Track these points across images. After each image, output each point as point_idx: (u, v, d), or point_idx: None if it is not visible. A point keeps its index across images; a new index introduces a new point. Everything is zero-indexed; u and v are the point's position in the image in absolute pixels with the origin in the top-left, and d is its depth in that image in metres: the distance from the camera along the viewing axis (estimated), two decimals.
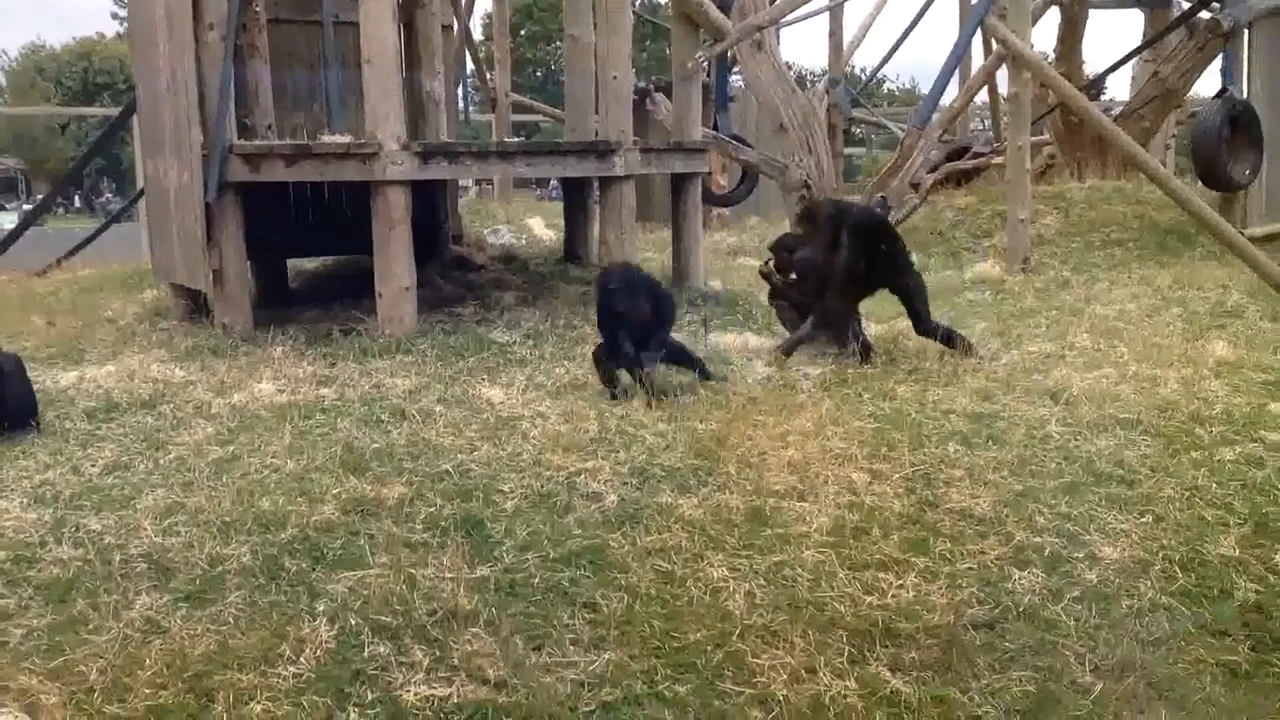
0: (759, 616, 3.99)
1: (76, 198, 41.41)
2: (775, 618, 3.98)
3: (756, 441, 5.15)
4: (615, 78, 8.08)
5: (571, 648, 3.80)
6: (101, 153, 13.48)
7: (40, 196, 29.67)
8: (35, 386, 5.85)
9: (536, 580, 4.10)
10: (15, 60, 47.05)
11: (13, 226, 14.38)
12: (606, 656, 3.76)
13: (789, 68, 11.89)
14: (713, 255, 10.96)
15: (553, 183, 25.69)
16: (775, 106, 11.29)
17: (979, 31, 11.79)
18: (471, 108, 23.27)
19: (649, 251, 10.55)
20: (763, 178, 12.66)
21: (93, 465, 4.92)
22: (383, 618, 3.84)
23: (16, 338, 7.23)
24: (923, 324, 6.64)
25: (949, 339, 6.57)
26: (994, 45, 10.90)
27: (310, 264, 9.90)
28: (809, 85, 16.88)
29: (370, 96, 7.05)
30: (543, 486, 4.73)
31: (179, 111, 7.21)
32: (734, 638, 3.88)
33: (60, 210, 35.96)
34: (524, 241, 11.00)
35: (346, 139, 7.55)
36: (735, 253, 11.75)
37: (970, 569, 4.28)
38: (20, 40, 69.77)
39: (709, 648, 3.84)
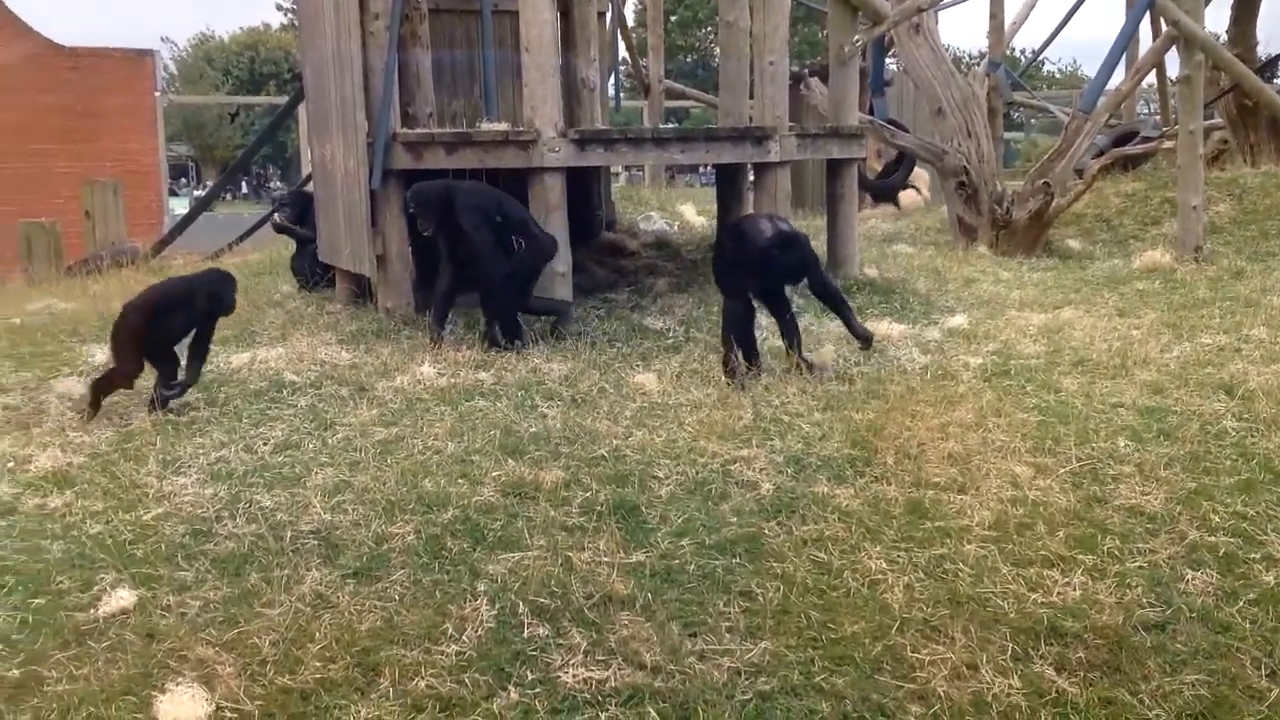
0: (918, 610, 3.91)
1: (244, 184, 42.81)
2: (935, 612, 3.91)
3: (915, 433, 5.06)
4: (772, 63, 8.02)
5: (727, 635, 3.79)
6: (269, 141, 13.87)
7: (209, 183, 30.86)
8: (211, 367, 6.09)
9: (692, 567, 4.10)
10: (185, 50, 48.76)
11: (185, 212, 14.97)
12: (763, 645, 3.73)
13: (947, 50, 11.62)
14: (867, 242, 10.81)
15: (704, 169, 25.66)
16: (933, 90, 11.10)
17: (1148, 12, 11.40)
18: (622, 94, 23.42)
19: None
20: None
21: (264, 444, 5.08)
22: (541, 599, 3.88)
23: None
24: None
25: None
26: (1164, 26, 10.52)
27: None
28: (968, 68, 16.50)
29: (528, 84, 7.13)
30: (697, 474, 4.73)
31: (345, 99, 7.40)
32: (893, 631, 3.81)
33: (228, 196, 37.25)
34: (676, 228, 10.99)
35: (505, 126, 7.65)
36: (890, 239, 11.56)
37: (1140, 568, 4.14)
38: (190, 31, 72.44)
39: (867, 640, 3.78)
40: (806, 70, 13.92)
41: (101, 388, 5.54)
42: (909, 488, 4.65)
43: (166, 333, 5.62)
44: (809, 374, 5.95)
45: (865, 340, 6.16)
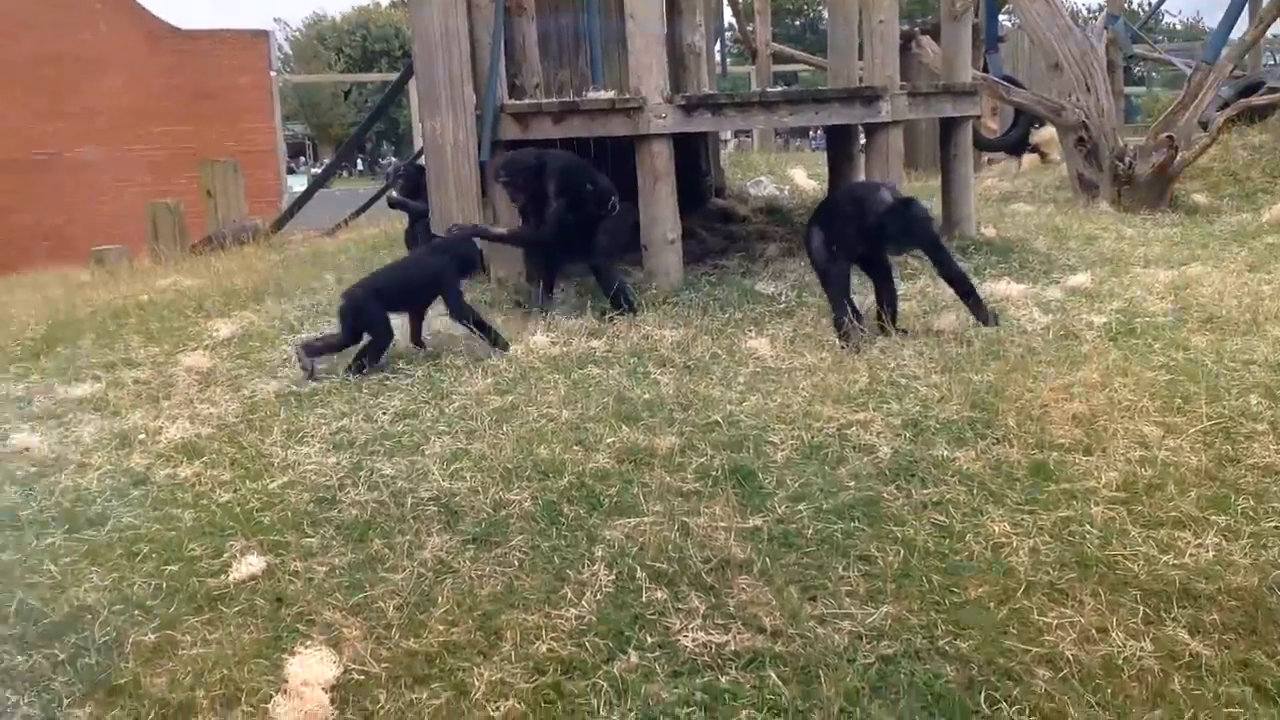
0: (1044, 574, 3.83)
1: (360, 160, 43.49)
2: (1062, 575, 3.82)
3: (1037, 393, 4.95)
4: (881, 21, 7.87)
5: (847, 600, 3.75)
6: (381, 117, 14.06)
7: (325, 160, 31.40)
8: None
9: (810, 531, 4.06)
10: (299, 30, 49.58)
11: (302, 189, 15.26)
12: (884, 609, 3.69)
13: (1065, 5, 11.29)
14: (985, 201, 10.60)
15: (814, 133, 25.35)
16: (1050, 44, 10.83)
17: None
18: (729, 60, 23.23)
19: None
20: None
21: (384, 413, 5.16)
22: (658, 564, 3.88)
23: (309, 293, 7.66)
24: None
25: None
26: None
27: None
28: (1085, 22, 16.03)
29: (633, 51, 7.10)
30: (813, 438, 4.68)
31: (453, 73, 7.45)
32: (1018, 594, 3.73)
33: (345, 173, 37.88)
34: (786, 192, 10.90)
35: (611, 94, 7.63)
36: (1008, 198, 11.31)
37: (1276, 528, 3.99)
38: (303, 11, 73.65)
39: (991, 604, 3.71)
40: (919, 29, 13.66)
41: (372, 358, 5.82)
42: (1032, 449, 4.55)
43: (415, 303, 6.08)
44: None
45: (990, 323, 6.03)
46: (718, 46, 13.87)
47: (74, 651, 3.49)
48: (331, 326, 6.22)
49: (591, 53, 9.09)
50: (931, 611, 3.69)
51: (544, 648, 3.54)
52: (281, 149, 21.47)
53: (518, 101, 7.47)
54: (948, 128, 8.63)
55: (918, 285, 6.84)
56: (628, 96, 7.14)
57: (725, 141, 20.67)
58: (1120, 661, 3.47)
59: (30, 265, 11.68)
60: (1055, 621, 3.62)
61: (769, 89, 9.64)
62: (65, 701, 3.32)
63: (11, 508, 4.38)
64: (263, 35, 20.65)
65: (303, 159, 43.05)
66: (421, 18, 8.10)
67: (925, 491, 4.29)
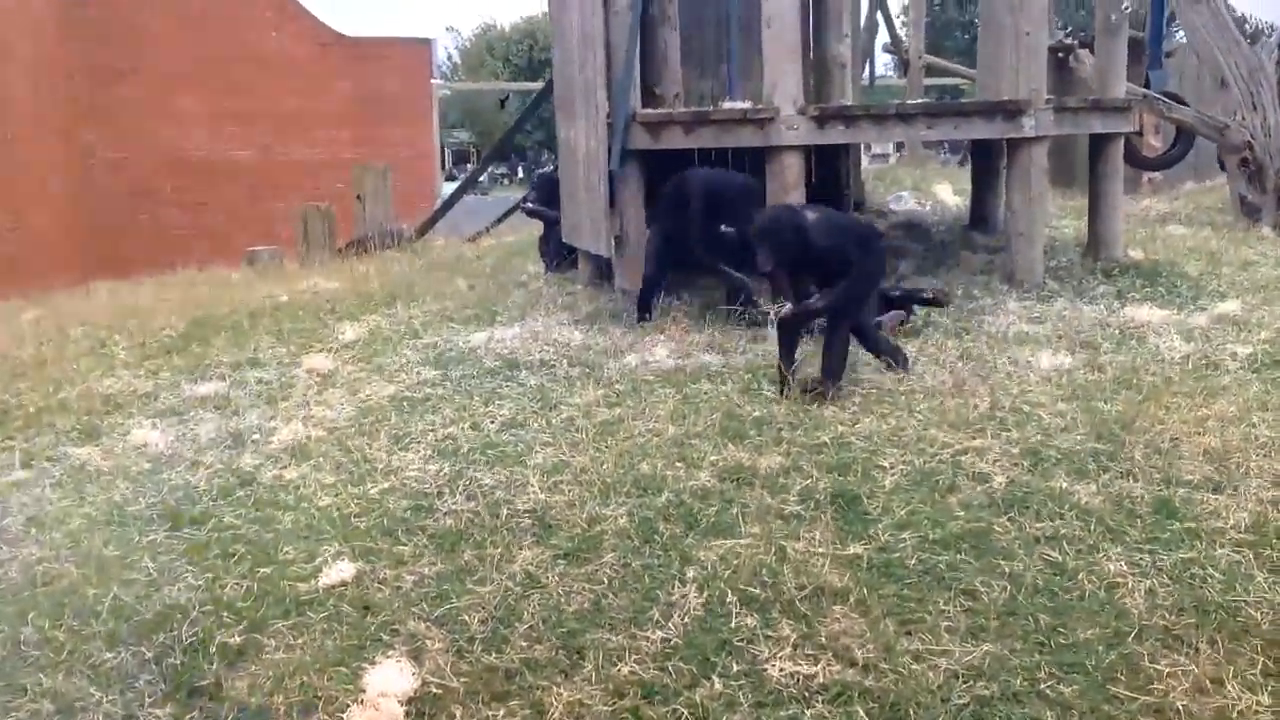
0: (1160, 618, 3.61)
1: (520, 168, 44.08)
2: (1179, 620, 3.60)
3: (1169, 426, 4.69)
4: (1028, 33, 7.58)
5: (946, 636, 3.58)
6: (525, 125, 14.19)
7: (491, 168, 31.92)
8: (450, 345, 6.27)
9: (912, 562, 3.90)
10: (469, 39, 50.44)
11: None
12: (985, 648, 3.51)
13: (1244, 21, 10.80)
14: (1138, 223, 10.17)
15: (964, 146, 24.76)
16: (1215, 59, 10.37)
17: None
18: (891, 73, 22.86)
19: (1064, 219, 9.96)
20: (1200, 139, 11.61)
21: (491, 422, 5.15)
22: (751, 589, 3.77)
23: (441, 298, 7.75)
24: None
25: None
26: None
27: None
28: (1262, 37, 15.31)
29: (768, 59, 6.99)
30: (925, 464, 4.51)
31: (588, 79, 7.44)
32: (1130, 639, 3.52)
33: (505, 181, 38.44)
34: (928, 208, 10.64)
35: (744, 105, 7.53)
36: (1164, 220, 10.83)
37: None
38: (475, 20, 75.00)
39: (1100, 647, 3.51)
40: (1076, 42, 13.20)
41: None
42: (1157, 485, 4.30)
43: None
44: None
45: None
46: (873, 58, 13.69)
47: (160, 651, 3.54)
48: (451, 331, 6.25)
49: (731, 64, 9.00)
50: (1035, 653, 3.51)
51: (626, 670, 3.47)
52: (437, 155, 21.88)
53: (649, 110, 7.42)
54: (1097, 144, 8.29)
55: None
56: (760, 107, 7.03)
57: (885, 156, 20.36)
58: (1234, 715, 3.25)
59: (190, 263, 12.08)
60: (1168, 669, 3.41)
61: (907, 101, 9.40)
62: (148, 701, 3.37)
63: (120, 503, 4.49)
64: (425, 43, 21.08)
65: (468, 166, 43.77)
66: (562, 23, 8.15)
67: (1039, 525, 4.09)
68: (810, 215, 5.30)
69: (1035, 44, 7.64)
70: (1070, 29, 15.61)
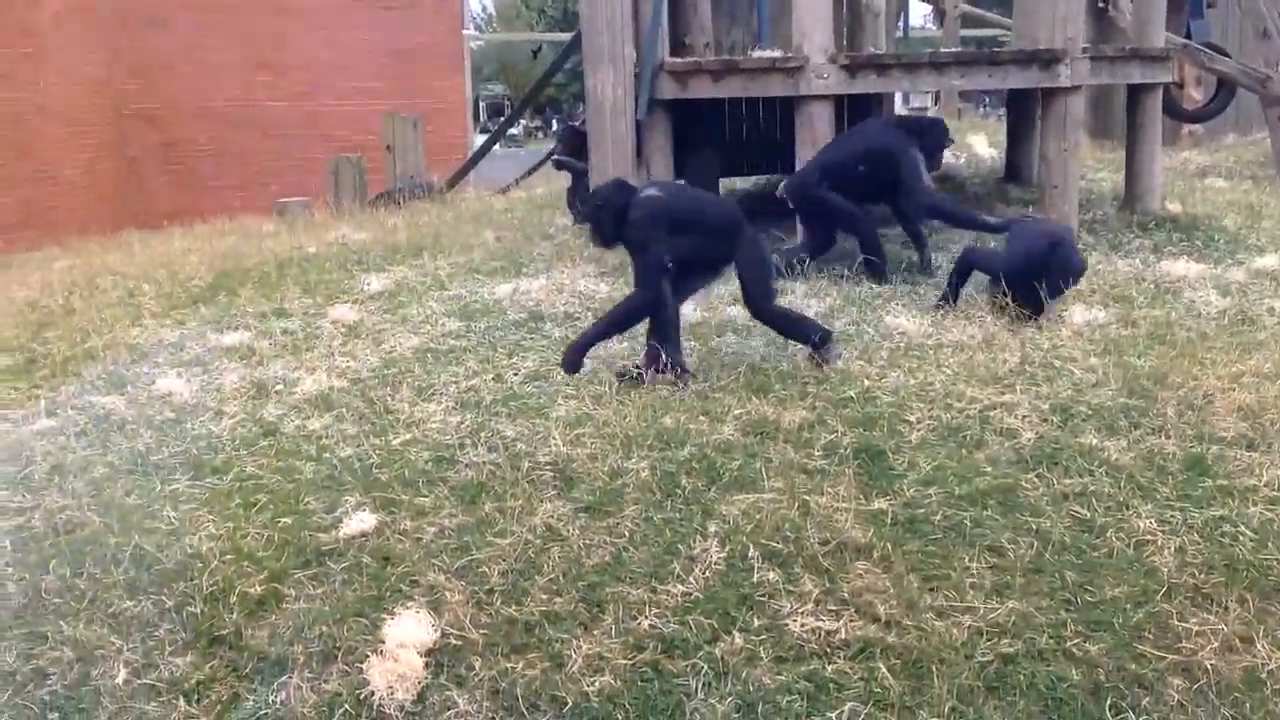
0: (1189, 576, 3.57)
1: (554, 121, 43.85)
2: (1209, 579, 3.56)
3: (1202, 382, 4.61)
4: None
5: (971, 592, 3.56)
6: (554, 76, 14.06)
7: (521, 121, 31.75)
8: (476, 297, 6.23)
9: (937, 518, 3.86)
10: None
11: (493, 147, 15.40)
12: (1010, 605, 3.49)
13: None
14: (1177, 175, 10.00)
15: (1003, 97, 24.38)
16: (1257, 9, 10.12)
17: None
18: (928, 24, 22.52)
19: (1101, 171, 9.79)
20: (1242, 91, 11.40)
21: (515, 374, 5.12)
22: (773, 544, 3.74)
23: (467, 250, 7.70)
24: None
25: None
26: None
27: (745, 183, 9.93)
28: None
29: (799, 7, 6.87)
30: (952, 419, 4.44)
31: (614, 28, 7.34)
32: (1158, 597, 3.49)
33: (539, 134, 38.28)
34: (963, 161, 10.49)
35: (774, 53, 7.42)
36: (1204, 173, 10.65)
37: None
38: None
39: (1128, 606, 3.48)
40: None
41: None
42: (1190, 442, 4.23)
43: None
44: None
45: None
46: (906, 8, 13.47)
47: (181, 599, 3.55)
48: (477, 283, 6.21)
49: (760, 11, 8.87)
50: (1061, 610, 3.49)
51: (646, 624, 3.46)
52: (469, 107, 21.76)
53: (677, 59, 7.32)
54: (1135, 95, 8.12)
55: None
56: (789, 55, 6.92)
57: (924, 109, 20.06)
58: (1264, 675, 3.24)
59: (223, 213, 12.08)
60: (1196, 628, 3.39)
61: (940, 50, 9.23)
62: (168, 650, 3.38)
63: (144, 452, 4.49)
64: None
65: (501, 118, 43.47)
66: None
67: (1067, 482, 4.04)
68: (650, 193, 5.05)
69: None
70: None
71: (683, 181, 7.57)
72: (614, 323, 5.05)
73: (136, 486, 4.19)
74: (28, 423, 4.98)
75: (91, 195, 16.12)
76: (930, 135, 6.59)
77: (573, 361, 4.97)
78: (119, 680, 3.28)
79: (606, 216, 4.96)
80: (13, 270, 9.40)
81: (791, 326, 5.13)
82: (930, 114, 17.65)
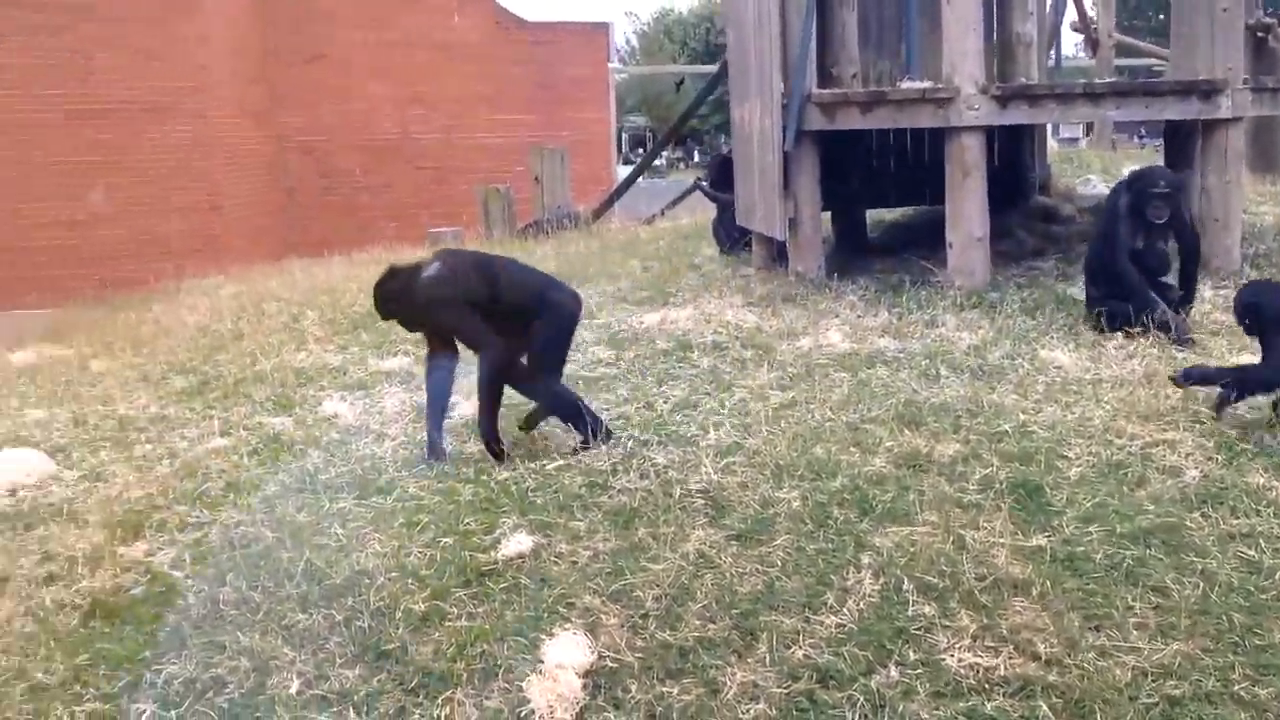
0: None
1: (695, 152, 44.05)
2: None
3: None
4: (1225, 9, 7.23)
5: (1135, 632, 3.49)
6: (698, 108, 14.19)
7: (665, 153, 32.04)
8: (624, 326, 6.32)
9: (1099, 556, 3.79)
10: (647, 24, 50.50)
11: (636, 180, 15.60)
12: (1175, 647, 3.41)
13: None
14: None
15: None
16: None
17: None
18: (1080, 53, 22.06)
19: (1263, 205, 9.47)
20: None
21: (664, 402, 5.19)
22: (928, 577, 3.72)
23: (615, 279, 7.82)
24: None
25: None
26: None
27: (892, 214, 9.88)
28: None
29: (948, 38, 6.84)
30: (1113, 456, 4.37)
31: (762, 59, 7.40)
32: None
33: (681, 165, 38.54)
34: None
35: (923, 84, 7.39)
36: None
37: None
38: (654, 5, 74.95)
39: None
40: (1277, 20, 12.54)
41: None
42: None
43: None
44: None
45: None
46: (1058, 39, 13.20)
47: (349, 614, 3.67)
48: (625, 312, 6.29)
49: (908, 41, 8.83)
50: (1229, 653, 3.40)
51: (800, 653, 3.46)
52: (613, 139, 22.03)
53: (824, 90, 7.34)
54: None
55: None
56: (939, 86, 6.88)
57: (1074, 140, 19.68)
58: None
59: (377, 244, 12.44)
60: None
61: (1094, 80, 9.05)
62: (338, 662, 3.50)
63: (313, 472, 4.67)
64: (602, 28, 21.23)
65: (644, 149, 43.88)
66: (736, 3, 8.11)
67: (1234, 522, 3.94)
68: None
69: (1232, 20, 7.28)
70: (1271, 8, 14.83)
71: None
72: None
73: (306, 504, 4.36)
74: (203, 441, 5.21)
75: (254, 224, 16.75)
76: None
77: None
78: (293, 690, 3.40)
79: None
80: (183, 296, 9.83)
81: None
82: (1082, 144, 17.32)
